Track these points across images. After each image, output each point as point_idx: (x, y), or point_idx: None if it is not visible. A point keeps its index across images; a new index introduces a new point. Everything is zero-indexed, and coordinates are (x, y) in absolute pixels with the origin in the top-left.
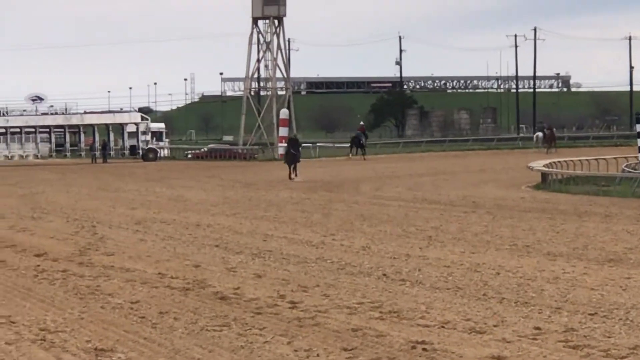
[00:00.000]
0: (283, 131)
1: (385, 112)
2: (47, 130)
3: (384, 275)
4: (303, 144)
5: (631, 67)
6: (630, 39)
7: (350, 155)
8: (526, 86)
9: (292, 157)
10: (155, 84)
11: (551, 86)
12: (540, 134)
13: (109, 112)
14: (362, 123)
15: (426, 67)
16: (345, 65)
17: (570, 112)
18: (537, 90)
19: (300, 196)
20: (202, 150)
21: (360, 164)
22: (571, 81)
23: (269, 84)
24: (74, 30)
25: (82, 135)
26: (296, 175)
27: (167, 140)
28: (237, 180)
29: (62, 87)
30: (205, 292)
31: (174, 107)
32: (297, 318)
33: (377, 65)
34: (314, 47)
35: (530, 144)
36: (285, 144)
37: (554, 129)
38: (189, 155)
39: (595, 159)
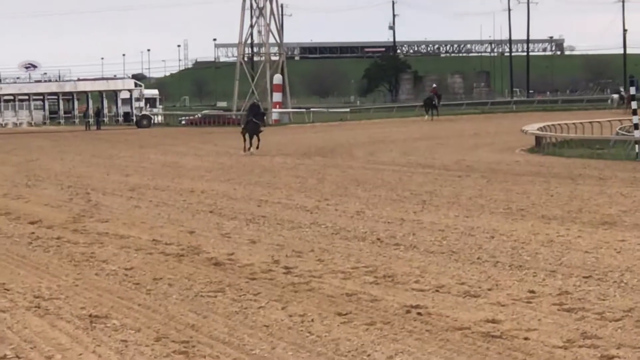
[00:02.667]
0: (277, 97)
1: (378, 77)
2: (41, 97)
3: (378, 239)
4: (297, 109)
5: (624, 30)
6: (623, 1)
7: (426, 117)
8: (519, 50)
9: (253, 127)
10: (148, 50)
11: (545, 50)
12: (616, 95)
13: (103, 79)
14: (434, 85)
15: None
16: (338, 31)
17: (564, 76)
18: (530, 53)
19: (294, 161)
20: (196, 116)
21: (354, 129)
22: (565, 44)
23: (262, 50)
24: None
25: (76, 103)
26: (257, 147)
27: (161, 106)
28: (231, 146)
29: (56, 54)
30: (200, 258)
31: (168, 74)
32: (291, 283)
33: (370, 30)
34: (307, 12)
35: (606, 103)
36: (248, 111)
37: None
38: (183, 122)
39: (589, 122)
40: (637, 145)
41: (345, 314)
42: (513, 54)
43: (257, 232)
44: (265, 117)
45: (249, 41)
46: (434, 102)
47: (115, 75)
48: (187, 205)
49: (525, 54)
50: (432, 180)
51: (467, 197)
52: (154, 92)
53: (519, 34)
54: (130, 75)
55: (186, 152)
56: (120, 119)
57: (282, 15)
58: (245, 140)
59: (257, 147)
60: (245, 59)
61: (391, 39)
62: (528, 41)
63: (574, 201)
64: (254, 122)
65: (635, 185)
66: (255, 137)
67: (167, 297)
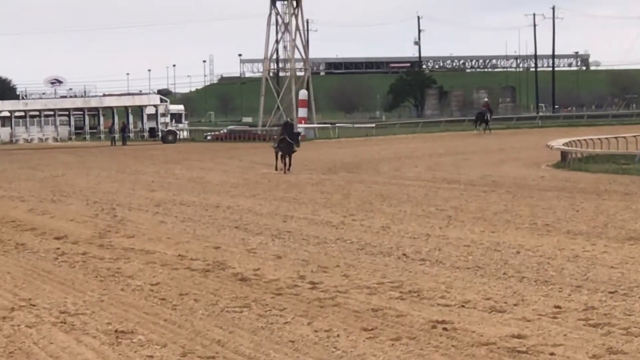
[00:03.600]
0: (302, 112)
1: (404, 92)
2: (67, 113)
3: (404, 255)
4: (323, 124)
5: None
6: None
7: (476, 129)
8: (545, 65)
9: (287, 146)
10: (174, 65)
11: (570, 65)
12: None
13: (128, 94)
14: (486, 99)
15: (445, 47)
16: (363, 46)
17: (590, 91)
18: (556, 69)
19: (319, 177)
20: (222, 131)
21: (379, 145)
22: (590, 59)
23: (288, 65)
24: (92, 13)
25: (102, 118)
26: (289, 168)
27: (187, 122)
28: (257, 161)
29: (81, 70)
30: (225, 273)
31: (193, 89)
32: (317, 299)
33: (396, 46)
34: (332, 27)
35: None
36: (288, 129)
37: None
38: (209, 137)
39: (615, 137)
40: None
41: (371, 329)
42: (538, 69)
43: (283, 247)
44: (300, 137)
45: (274, 56)
46: (485, 117)
47: (140, 91)
48: (212, 221)
49: (550, 69)
50: (458, 195)
51: (492, 213)
52: (179, 108)
53: (544, 49)
54: (156, 91)
55: (212, 168)
56: (146, 134)
57: (307, 30)
58: (277, 159)
59: (289, 169)
60: (271, 74)
61: (416, 54)
62: (553, 56)
63: (600, 216)
64: (288, 141)
65: None
66: (287, 158)
67: (193, 313)
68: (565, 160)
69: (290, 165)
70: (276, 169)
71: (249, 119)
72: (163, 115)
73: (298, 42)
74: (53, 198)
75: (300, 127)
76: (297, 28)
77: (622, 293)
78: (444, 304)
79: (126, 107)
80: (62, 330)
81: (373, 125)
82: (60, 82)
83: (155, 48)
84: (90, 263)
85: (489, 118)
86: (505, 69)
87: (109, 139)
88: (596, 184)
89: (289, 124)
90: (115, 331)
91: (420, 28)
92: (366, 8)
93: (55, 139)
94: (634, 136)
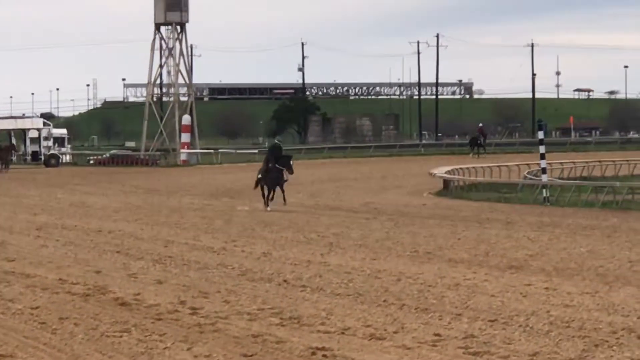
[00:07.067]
0: (185, 137)
1: (287, 119)
2: None
3: (285, 281)
4: (206, 149)
5: (533, 74)
6: (532, 46)
7: (472, 155)
8: (428, 93)
9: (275, 176)
10: (57, 89)
11: (454, 93)
12: None
13: (11, 117)
14: (481, 125)
15: (329, 73)
16: (248, 72)
17: (473, 119)
18: (439, 97)
19: (201, 202)
20: (104, 156)
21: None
22: (474, 88)
23: (172, 90)
24: None
25: None
26: (284, 201)
27: (70, 146)
28: (139, 186)
29: None
30: (106, 297)
31: (77, 113)
32: (197, 324)
33: (280, 72)
34: (216, 53)
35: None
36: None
37: None
38: (91, 162)
39: (497, 166)
40: (544, 190)
41: (250, 355)
42: (422, 97)
43: (164, 272)
44: (292, 162)
45: (158, 81)
46: (479, 141)
47: (24, 114)
48: (94, 245)
49: (434, 97)
50: (340, 222)
51: (374, 240)
52: (62, 132)
53: (428, 77)
54: (39, 114)
55: (94, 192)
56: (29, 157)
57: (191, 55)
58: (264, 193)
59: (284, 201)
60: (154, 99)
61: (300, 81)
62: (437, 84)
63: (481, 245)
64: (276, 168)
65: (542, 229)
66: (278, 189)
67: (72, 337)
68: (447, 188)
69: (284, 197)
70: (265, 205)
71: (132, 144)
72: (46, 138)
73: (182, 67)
74: None
75: (183, 152)
76: (181, 53)
77: (502, 321)
78: (324, 331)
79: (9, 130)
80: None
81: (256, 151)
82: None
83: (38, 71)
84: None
85: (482, 142)
86: (389, 97)
87: None
88: (478, 212)
89: (277, 146)
90: None
91: (305, 54)
92: (251, 34)
93: None
94: (517, 165)
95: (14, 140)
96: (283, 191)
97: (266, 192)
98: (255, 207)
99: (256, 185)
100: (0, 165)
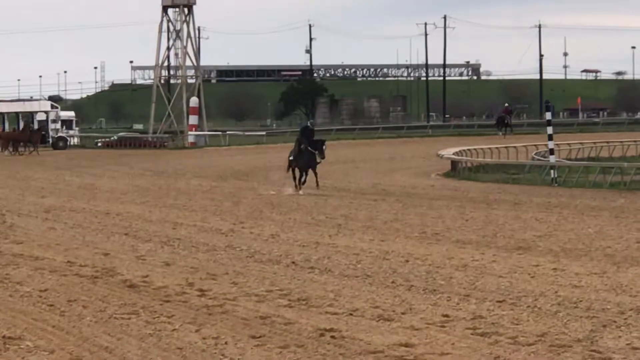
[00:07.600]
0: (193, 119)
1: (295, 101)
2: None
3: (293, 263)
4: (214, 132)
5: (541, 55)
6: (539, 27)
7: (500, 134)
8: (436, 74)
9: (308, 159)
10: (65, 72)
11: (461, 74)
12: None
13: (19, 100)
14: (507, 105)
15: (337, 55)
16: (255, 54)
17: (480, 100)
18: (447, 78)
19: (210, 184)
20: (112, 138)
21: (270, 152)
22: (481, 69)
23: (179, 72)
24: None
25: None
26: (317, 185)
27: (77, 128)
28: (147, 168)
29: None
30: (114, 280)
31: (84, 96)
32: (205, 306)
33: (287, 54)
34: (224, 35)
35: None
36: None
37: None
38: (99, 144)
39: (505, 147)
40: (552, 170)
41: (259, 336)
42: (430, 78)
43: (172, 254)
44: (324, 145)
45: (165, 64)
46: (506, 121)
47: (31, 97)
48: (102, 227)
49: (441, 78)
50: (348, 204)
51: (382, 221)
52: (70, 114)
53: (435, 58)
54: (47, 97)
55: (102, 175)
56: None
57: (199, 38)
58: (295, 176)
59: (317, 185)
60: (162, 81)
61: (308, 63)
62: (445, 66)
63: (489, 226)
64: (309, 151)
65: (549, 210)
66: (311, 172)
67: (81, 319)
68: (455, 170)
69: (317, 180)
70: (296, 188)
71: (140, 126)
72: (54, 121)
73: (189, 50)
74: None
75: (191, 135)
76: (189, 35)
77: (509, 302)
78: (332, 312)
79: (17, 113)
80: None
81: (264, 133)
82: None
83: (46, 54)
84: None
85: (509, 122)
86: (396, 78)
87: None
88: (486, 193)
89: (309, 129)
90: (3, 337)
91: (312, 36)
92: (258, 16)
93: None
94: (524, 146)
95: (21, 124)
96: (316, 174)
97: (297, 175)
98: (283, 190)
99: (288, 168)
100: (31, 148)
